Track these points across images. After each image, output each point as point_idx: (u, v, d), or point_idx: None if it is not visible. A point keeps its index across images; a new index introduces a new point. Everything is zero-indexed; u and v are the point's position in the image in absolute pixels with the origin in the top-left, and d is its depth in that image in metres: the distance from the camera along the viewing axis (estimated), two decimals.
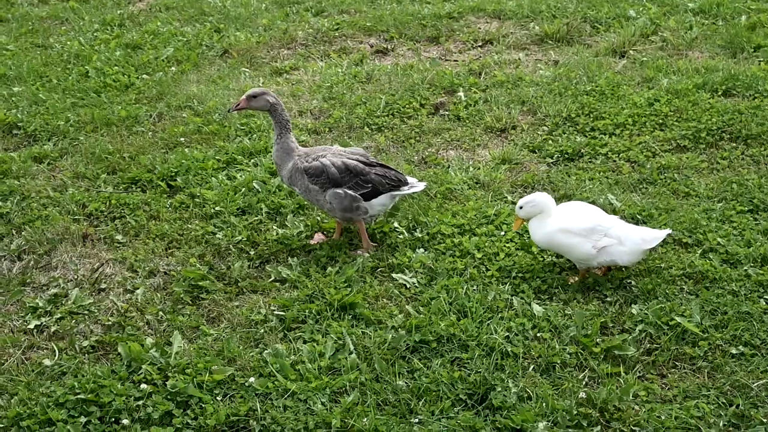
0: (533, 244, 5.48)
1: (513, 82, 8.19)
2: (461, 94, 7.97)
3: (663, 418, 4.22)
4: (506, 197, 6.24)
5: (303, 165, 5.54)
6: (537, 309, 4.97)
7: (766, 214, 5.85)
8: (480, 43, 9.42)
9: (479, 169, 6.67)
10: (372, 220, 5.81)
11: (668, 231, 5.31)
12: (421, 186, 5.71)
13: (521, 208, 5.26)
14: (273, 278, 5.41)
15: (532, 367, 4.58)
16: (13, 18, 10.72)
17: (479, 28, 9.77)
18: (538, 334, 4.80)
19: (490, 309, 5.01)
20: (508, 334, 4.79)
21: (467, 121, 7.50)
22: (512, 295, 5.14)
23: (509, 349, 4.66)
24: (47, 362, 4.70)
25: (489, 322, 4.88)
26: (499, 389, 4.39)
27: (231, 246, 5.75)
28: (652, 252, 5.41)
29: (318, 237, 5.81)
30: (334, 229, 5.88)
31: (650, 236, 5.17)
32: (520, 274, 5.33)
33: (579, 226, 5.13)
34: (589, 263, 5.22)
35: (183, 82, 8.53)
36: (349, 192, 5.51)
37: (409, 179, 5.71)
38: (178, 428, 4.22)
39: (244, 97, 5.64)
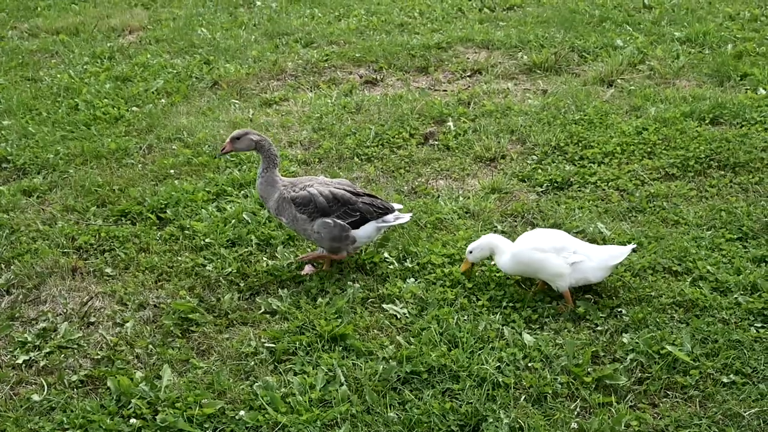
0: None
1: (502, 111, 8.22)
2: (450, 123, 8.00)
3: None
4: (496, 227, 6.24)
5: (290, 195, 5.55)
6: (528, 339, 4.96)
7: (755, 242, 5.87)
8: (469, 73, 9.48)
9: (469, 198, 6.68)
10: (355, 251, 5.80)
11: (633, 246, 5.40)
12: (407, 217, 5.76)
13: (470, 252, 5.40)
14: (263, 310, 5.39)
15: (523, 397, 4.56)
16: (3, 51, 10.77)
17: (468, 58, 9.83)
18: (530, 364, 4.79)
19: (481, 339, 5.00)
20: (499, 364, 4.78)
21: (457, 151, 7.52)
22: (503, 325, 5.13)
23: (500, 380, 4.65)
24: (36, 397, 4.67)
25: (480, 352, 4.87)
26: (491, 420, 4.37)
27: (221, 278, 5.73)
28: (619, 267, 5.49)
29: (308, 269, 5.80)
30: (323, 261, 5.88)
31: (617, 252, 5.29)
32: (510, 304, 5.33)
33: (549, 245, 5.24)
34: (563, 280, 5.25)
35: (173, 114, 8.54)
36: (338, 221, 5.53)
37: (395, 206, 5.75)
38: None
39: (228, 140, 5.66)
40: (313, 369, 4.80)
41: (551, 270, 5.24)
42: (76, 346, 5.14)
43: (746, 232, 5.98)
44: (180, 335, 5.21)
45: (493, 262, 5.51)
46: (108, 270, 5.89)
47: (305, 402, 4.53)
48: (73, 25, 11.80)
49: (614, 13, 11.02)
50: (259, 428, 4.40)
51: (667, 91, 8.45)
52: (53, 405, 4.62)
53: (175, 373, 4.84)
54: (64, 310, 5.49)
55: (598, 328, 5.11)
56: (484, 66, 9.53)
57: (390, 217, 5.69)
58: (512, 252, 5.33)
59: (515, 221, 6.35)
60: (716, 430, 4.34)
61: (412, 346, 4.93)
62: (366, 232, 5.63)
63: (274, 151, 5.60)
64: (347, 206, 5.56)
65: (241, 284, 5.67)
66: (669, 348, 4.81)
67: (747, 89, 8.38)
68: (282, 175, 5.73)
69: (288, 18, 11.67)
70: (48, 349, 5.08)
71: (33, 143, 7.85)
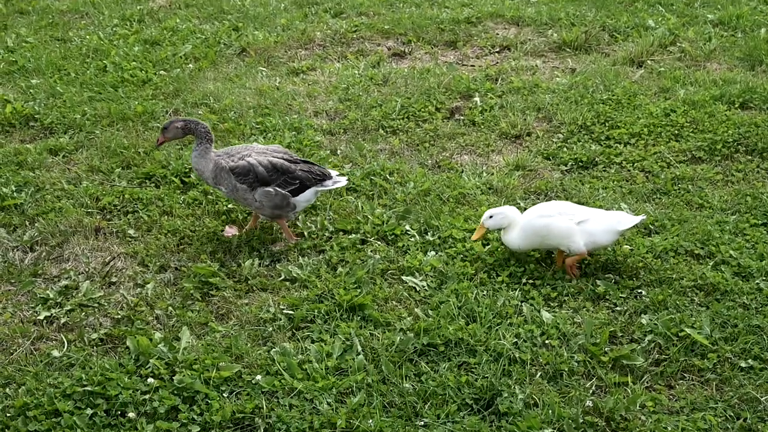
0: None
1: (529, 88, 8.17)
2: (477, 99, 7.96)
3: (670, 429, 4.20)
4: (519, 203, 6.22)
5: (228, 164, 5.58)
6: (546, 316, 4.95)
7: None
8: (497, 49, 9.41)
9: (492, 174, 6.65)
10: (295, 216, 5.84)
11: (643, 216, 5.45)
12: (343, 180, 5.81)
13: (491, 217, 5.35)
14: (283, 277, 5.41)
15: (539, 374, 4.56)
16: (34, 11, 10.79)
17: (497, 34, 9.76)
18: (547, 341, 4.79)
19: (499, 314, 4.99)
20: (516, 340, 4.78)
21: (482, 127, 7.49)
22: (522, 302, 5.12)
23: (517, 356, 4.65)
24: (56, 353, 4.71)
25: (498, 327, 4.87)
26: (506, 395, 4.38)
27: (242, 244, 5.75)
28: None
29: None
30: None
31: (625, 218, 5.32)
32: (530, 281, 5.32)
33: (555, 211, 5.32)
34: (574, 242, 5.25)
35: (200, 80, 8.55)
36: (280, 190, 5.57)
37: (333, 173, 5.78)
38: (183, 423, 4.22)
39: (160, 134, 5.77)
40: (331, 337, 4.82)
41: (560, 232, 5.25)
42: (96, 304, 5.18)
43: None
44: (200, 298, 5.24)
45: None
46: (131, 231, 5.92)
47: (321, 369, 4.55)
48: None
49: None
50: (275, 393, 4.42)
51: (698, 73, 8.37)
52: (72, 361, 4.66)
53: (194, 336, 4.87)
54: (86, 269, 5.53)
55: (617, 308, 5.09)
56: (513, 42, 9.47)
57: (328, 182, 5.74)
58: (521, 225, 5.33)
59: (538, 198, 6.32)
60: (732, 414, 4.33)
61: (429, 319, 4.94)
62: (305, 197, 5.70)
63: (202, 128, 5.63)
64: (287, 175, 5.62)
65: (262, 251, 5.69)
66: (688, 330, 4.79)
67: None
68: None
69: None
70: (69, 307, 5.13)
71: (60, 103, 7.89)
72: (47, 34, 9.86)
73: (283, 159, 5.66)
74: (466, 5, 10.68)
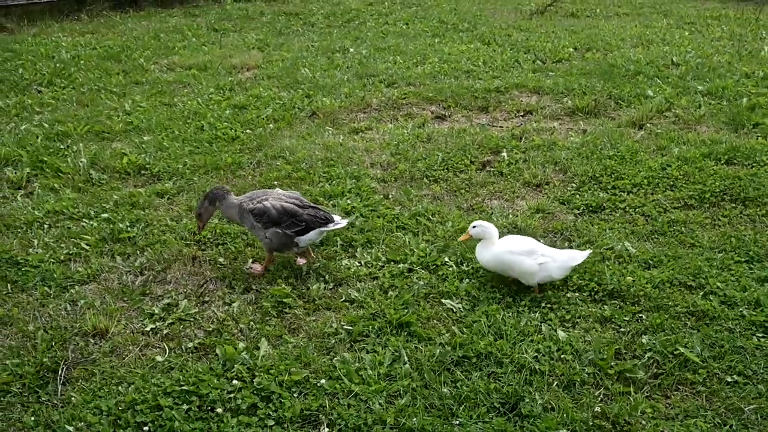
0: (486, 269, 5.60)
1: (548, 146, 8.14)
2: (505, 154, 7.95)
3: None
4: (539, 239, 6.16)
5: (249, 206, 5.63)
6: (561, 334, 4.90)
7: (759, 265, 5.69)
8: (521, 113, 9.41)
9: (517, 216, 6.62)
10: (301, 251, 5.82)
11: (589, 251, 5.52)
12: (344, 222, 5.77)
13: (474, 227, 5.44)
14: (344, 299, 5.42)
15: (555, 383, 4.50)
16: (147, 81, 11.04)
17: (521, 101, 9.76)
18: (562, 356, 4.72)
19: (522, 332, 4.95)
20: (536, 354, 4.72)
21: (509, 177, 7.47)
22: (541, 322, 5.07)
23: (537, 367, 4.59)
24: (159, 358, 4.77)
25: (521, 343, 4.82)
26: (527, 400, 4.33)
27: (311, 271, 5.78)
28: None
29: (256, 267, 5.85)
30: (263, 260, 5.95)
31: (576, 255, 5.39)
32: (548, 305, 5.26)
33: (522, 248, 5.31)
34: (532, 278, 5.31)
35: (278, 137, 8.66)
36: (286, 231, 5.59)
37: (335, 217, 5.77)
38: (261, 418, 4.23)
39: (197, 220, 5.84)
40: (382, 349, 4.81)
41: (523, 269, 5.31)
42: (192, 319, 5.23)
43: (752, 256, 5.81)
44: (275, 315, 5.26)
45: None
46: (221, 260, 5.99)
47: (374, 375, 4.54)
48: (202, 62, 12.05)
49: (647, 68, 10.83)
50: (336, 394, 4.42)
51: (689, 134, 8.27)
52: (172, 365, 4.71)
53: (270, 346, 4.89)
54: (185, 290, 5.59)
55: (622, 329, 5.01)
56: (534, 108, 9.45)
57: (330, 225, 5.71)
58: (492, 252, 5.38)
59: (555, 237, 6.27)
60: (719, 421, 4.22)
61: (464, 335, 4.91)
62: (309, 237, 5.67)
63: (218, 190, 5.70)
64: (294, 218, 5.60)
65: (327, 277, 5.71)
66: (682, 349, 4.70)
67: (758, 136, 8.16)
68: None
69: (375, 63, 11.74)
70: (170, 321, 5.19)
71: (166, 155, 8.03)
72: (157, 100, 10.07)
73: (294, 204, 5.67)
74: (496, 77, 10.71)
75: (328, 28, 14.65)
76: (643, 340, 4.85)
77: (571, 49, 12.22)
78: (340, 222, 5.75)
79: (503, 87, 10.19)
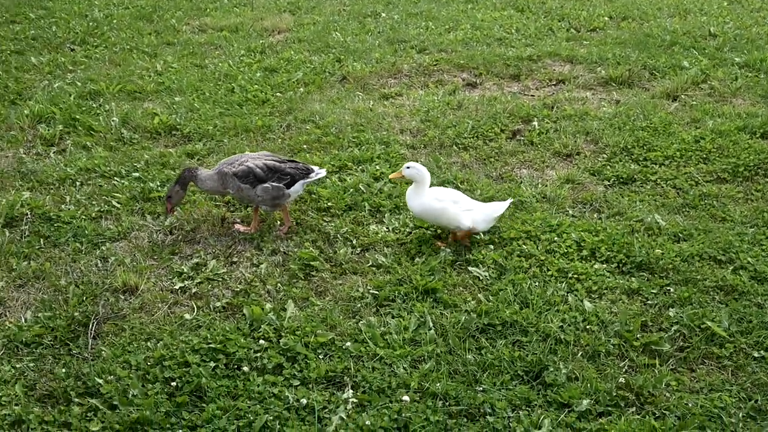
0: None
1: (580, 116, 8.05)
2: (535, 123, 7.88)
3: (690, 405, 4.10)
4: (568, 211, 6.14)
5: (231, 170, 5.66)
6: (588, 305, 4.88)
7: None
8: (554, 82, 9.29)
9: (546, 186, 6.57)
10: (290, 204, 5.93)
11: (510, 200, 5.78)
12: (323, 172, 5.90)
13: (408, 168, 5.51)
14: (371, 263, 5.44)
15: (580, 353, 4.50)
16: (178, 42, 11.05)
17: (554, 70, 9.64)
18: (587, 327, 4.72)
19: (548, 302, 4.94)
20: (561, 324, 4.72)
21: (539, 146, 7.40)
22: (567, 292, 5.06)
23: (562, 337, 4.59)
24: (187, 316, 4.83)
25: (546, 313, 4.82)
26: (552, 369, 4.33)
27: (338, 235, 5.80)
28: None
29: (240, 227, 5.90)
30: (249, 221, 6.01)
31: (497, 207, 5.60)
32: (575, 276, 5.24)
33: (448, 197, 5.44)
34: (460, 222, 5.44)
35: (308, 101, 8.64)
36: (275, 184, 5.66)
37: (314, 168, 5.87)
38: (286, 378, 4.28)
39: (166, 202, 5.81)
40: (408, 314, 4.83)
41: (448, 217, 5.44)
42: (220, 279, 5.28)
43: None
44: (303, 278, 5.30)
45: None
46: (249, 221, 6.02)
47: (399, 340, 4.57)
48: (234, 24, 12.02)
49: (683, 38, 10.62)
50: (360, 357, 4.45)
51: (725, 107, 8.13)
52: (200, 324, 4.77)
53: (297, 308, 4.93)
54: (213, 250, 5.64)
55: (649, 301, 4.99)
56: (567, 77, 9.33)
57: (312, 175, 5.83)
58: (421, 201, 5.47)
59: (584, 208, 6.23)
60: (744, 395, 4.20)
61: (490, 303, 4.91)
62: (295, 189, 5.78)
63: (187, 171, 5.70)
64: (279, 173, 5.70)
65: (354, 241, 5.73)
66: (709, 323, 4.67)
67: None
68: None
69: (406, 28, 11.64)
70: (199, 280, 5.24)
71: (197, 117, 8.06)
72: (188, 61, 10.08)
73: (274, 161, 5.76)
74: (528, 45, 10.57)
75: None
76: (670, 313, 4.82)
77: (606, 18, 12.01)
78: (320, 172, 5.90)
79: (536, 55, 10.06)
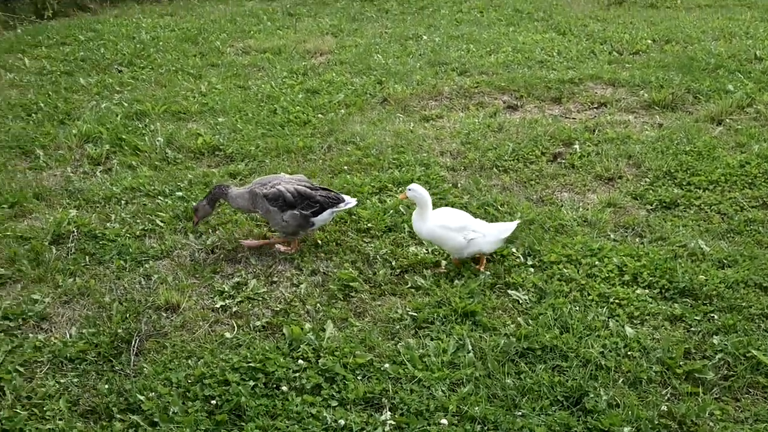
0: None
1: (622, 139, 7.99)
2: (577, 146, 7.84)
3: None
4: (609, 235, 6.08)
5: (263, 192, 5.71)
6: (629, 331, 4.82)
7: None
8: (596, 105, 9.24)
9: (587, 209, 6.53)
10: (312, 232, 5.96)
11: (517, 222, 5.70)
12: (353, 202, 5.92)
13: (410, 190, 5.53)
14: (410, 285, 5.44)
15: (621, 380, 4.44)
16: (222, 64, 11.23)
17: (596, 93, 9.59)
18: (629, 353, 4.65)
19: (588, 327, 4.89)
20: (602, 350, 4.67)
21: (580, 169, 7.36)
22: (608, 318, 5.00)
23: (603, 363, 4.54)
24: (228, 335, 4.88)
25: (587, 338, 4.77)
26: (592, 395, 4.28)
27: (378, 256, 5.82)
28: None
29: (247, 242, 5.95)
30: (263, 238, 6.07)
31: (504, 228, 5.54)
32: (616, 301, 5.19)
33: (454, 224, 5.40)
34: (461, 253, 5.48)
35: (349, 122, 8.71)
36: (303, 212, 5.70)
37: (345, 197, 5.90)
38: (325, 398, 4.29)
39: (194, 214, 5.94)
40: (447, 337, 4.82)
41: (453, 245, 5.47)
42: (261, 298, 5.33)
43: None
44: (342, 298, 5.32)
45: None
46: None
47: (438, 363, 4.56)
48: (277, 46, 12.19)
49: (728, 62, 10.50)
50: (399, 379, 4.45)
51: None
52: (240, 342, 4.81)
53: (336, 328, 4.95)
54: (254, 270, 5.69)
55: (692, 328, 4.91)
56: (609, 100, 9.28)
57: (341, 204, 5.86)
58: (427, 226, 5.48)
59: (626, 232, 6.17)
60: None
61: (530, 327, 4.88)
62: (323, 217, 5.82)
63: (217, 188, 5.80)
64: (309, 200, 5.73)
65: (393, 263, 5.74)
66: (754, 352, 4.58)
67: None
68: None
69: (448, 51, 11.69)
70: (239, 299, 5.29)
71: (240, 137, 8.17)
72: (232, 83, 10.23)
73: (306, 187, 5.78)
74: (570, 68, 10.54)
75: (402, 15, 14.63)
76: (714, 341, 4.74)
77: (650, 41, 11.93)
78: (350, 201, 5.92)
79: (577, 78, 10.03)
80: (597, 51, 11.51)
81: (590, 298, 5.22)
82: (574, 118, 8.84)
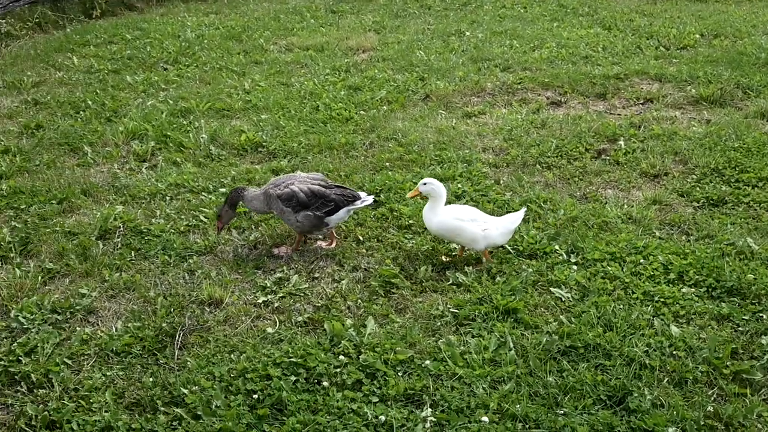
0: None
1: (668, 135, 7.86)
2: (622, 142, 7.73)
3: None
4: (654, 233, 5.99)
5: (276, 192, 5.67)
6: (675, 330, 4.74)
7: None
8: (641, 101, 9.11)
9: (632, 207, 6.44)
10: (327, 231, 5.89)
11: (524, 209, 5.73)
12: (370, 199, 5.84)
13: (425, 184, 5.48)
14: (451, 282, 5.43)
15: (666, 379, 4.37)
16: (266, 61, 11.32)
17: (642, 88, 9.45)
18: (674, 352, 4.58)
19: (632, 326, 4.82)
20: (647, 349, 4.60)
21: (625, 166, 7.26)
22: (653, 317, 4.93)
23: (647, 362, 4.47)
24: (270, 330, 4.92)
25: (631, 337, 4.70)
26: (636, 395, 4.22)
27: (419, 253, 5.81)
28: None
29: (283, 249, 5.92)
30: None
31: (513, 218, 5.56)
32: (661, 299, 5.10)
33: (468, 216, 5.45)
34: (476, 244, 5.46)
35: (391, 119, 8.71)
36: (317, 213, 5.64)
37: (361, 194, 5.83)
38: (366, 394, 4.30)
39: (217, 221, 5.92)
40: (488, 334, 4.79)
41: (468, 236, 5.42)
42: (302, 294, 5.36)
43: None
44: (383, 295, 5.33)
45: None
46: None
47: (479, 360, 4.54)
48: (319, 43, 12.24)
49: None
50: (439, 376, 4.44)
51: None
52: (282, 337, 4.85)
53: (377, 324, 4.95)
54: (296, 266, 5.73)
55: (740, 328, 4.81)
56: (655, 96, 9.14)
57: (358, 202, 5.79)
58: (440, 218, 5.44)
59: (672, 230, 6.07)
60: None
61: (572, 325, 4.83)
62: (338, 216, 5.76)
63: (235, 192, 5.79)
64: (323, 199, 5.66)
65: (434, 259, 5.73)
66: None
67: None
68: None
69: (491, 47, 11.62)
70: (281, 294, 5.33)
71: (282, 134, 8.22)
72: (275, 80, 10.31)
73: (320, 185, 5.74)
74: (615, 63, 10.41)
75: (445, 11, 14.58)
76: (763, 341, 4.64)
77: (698, 36, 11.72)
78: (366, 199, 5.87)
79: (623, 73, 9.89)
80: (643, 46, 11.34)
81: (634, 296, 5.14)
82: (619, 114, 8.72)
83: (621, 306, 5.03)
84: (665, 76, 9.75)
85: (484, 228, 5.45)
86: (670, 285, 5.27)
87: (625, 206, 6.45)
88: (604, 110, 8.87)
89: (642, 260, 5.52)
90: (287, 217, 5.72)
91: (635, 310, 4.96)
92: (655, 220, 6.21)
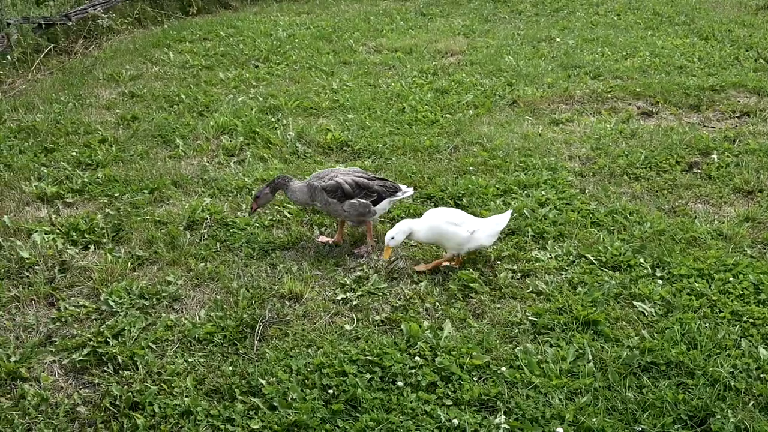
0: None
1: (765, 151, 7.58)
2: (715, 156, 7.50)
3: None
4: (746, 251, 5.79)
5: (321, 185, 5.77)
6: (763, 352, 4.58)
7: None
8: (737, 114, 8.81)
9: (723, 223, 6.24)
10: (376, 221, 6.00)
11: (510, 211, 5.81)
12: (410, 191, 5.97)
13: (392, 239, 5.39)
14: (531, 289, 5.37)
15: (752, 403, 4.22)
16: (354, 62, 11.44)
17: (738, 101, 9.15)
18: (762, 375, 4.42)
19: (718, 345, 4.67)
20: (732, 370, 4.45)
21: (717, 181, 7.04)
22: (741, 337, 4.77)
23: (732, 383, 4.33)
24: (347, 327, 4.97)
25: (716, 356, 4.56)
26: (719, 417, 4.09)
27: (500, 259, 5.77)
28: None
29: (323, 239, 6.04)
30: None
31: (499, 220, 5.62)
32: (750, 320, 4.93)
33: (458, 220, 5.45)
34: (461, 248, 5.47)
35: (477, 123, 8.68)
36: (362, 200, 5.77)
37: (402, 187, 5.96)
38: (440, 396, 4.30)
39: (252, 201, 5.98)
40: (566, 344, 4.73)
41: (456, 240, 5.45)
42: (381, 293, 5.39)
43: None
44: (461, 299, 5.31)
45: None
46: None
47: (556, 370, 4.48)
48: (408, 46, 12.29)
49: None
50: (515, 384, 4.41)
51: None
52: (359, 335, 4.89)
53: (454, 328, 4.95)
54: (375, 265, 5.77)
55: None
56: (753, 110, 8.82)
57: (399, 194, 5.92)
58: (428, 224, 5.39)
59: (765, 248, 5.85)
60: None
61: (654, 341, 4.71)
62: (382, 206, 5.89)
63: (280, 178, 5.86)
64: (367, 190, 5.80)
65: (515, 266, 5.68)
66: None
67: None
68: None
69: (581, 54, 11.44)
70: (360, 293, 5.37)
71: (367, 134, 8.29)
72: (362, 81, 10.40)
73: (362, 177, 5.86)
74: (711, 75, 10.10)
75: (536, 17, 14.44)
76: None
77: None
78: (407, 191, 6.00)
79: (719, 85, 9.59)
80: (741, 58, 10.97)
81: (722, 315, 4.98)
82: (713, 127, 8.46)
83: (707, 324, 4.88)
84: (764, 90, 9.40)
85: (471, 230, 5.45)
86: (761, 305, 5.08)
87: (716, 222, 6.26)
88: (697, 122, 8.63)
89: (731, 278, 5.34)
90: (334, 208, 5.83)
91: (722, 329, 4.81)
92: (747, 237, 6.00)
